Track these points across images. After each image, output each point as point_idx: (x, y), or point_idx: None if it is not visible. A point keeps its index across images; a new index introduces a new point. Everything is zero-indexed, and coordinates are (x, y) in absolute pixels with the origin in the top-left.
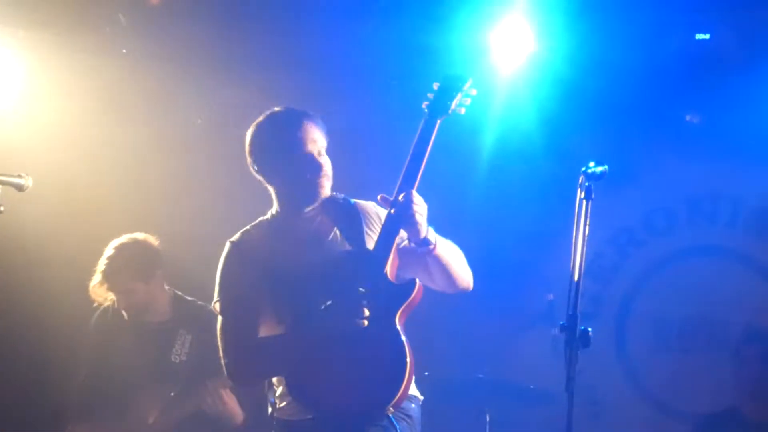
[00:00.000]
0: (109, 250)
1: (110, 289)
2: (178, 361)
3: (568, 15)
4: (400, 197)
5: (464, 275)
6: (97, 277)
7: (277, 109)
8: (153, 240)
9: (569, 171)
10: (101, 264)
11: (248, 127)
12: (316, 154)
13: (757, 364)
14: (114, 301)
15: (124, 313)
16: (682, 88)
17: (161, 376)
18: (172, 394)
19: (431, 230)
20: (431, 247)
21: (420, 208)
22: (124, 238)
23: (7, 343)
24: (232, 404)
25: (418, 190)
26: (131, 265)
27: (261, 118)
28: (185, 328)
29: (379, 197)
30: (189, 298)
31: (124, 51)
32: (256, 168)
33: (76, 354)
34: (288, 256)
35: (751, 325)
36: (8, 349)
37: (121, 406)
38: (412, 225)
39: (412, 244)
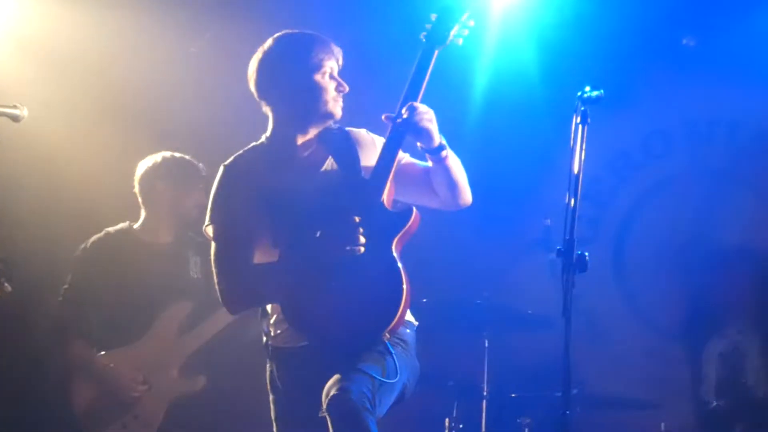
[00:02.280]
0: (157, 158)
1: (161, 200)
2: (196, 277)
3: None
4: (404, 111)
5: (467, 187)
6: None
7: (288, 31)
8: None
9: (566, 96)
10: (159, 169)
11: (245, 56)
12: (327, 87)
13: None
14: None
15: (140, 227)
16: (679, 11)
17: (183, 292)
18: (193, 308)
19: (443, 138)
20: (444, 154)
21: (429, 114)
22: (180, 154)
23: None
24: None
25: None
26: (197, 181)
27: (270, 42)
28: (192, 250)
29: (383, 117)
30: (185, 228)
31: None
32: (259, 90)
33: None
34: (282, 183)
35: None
36: None
37: (143, 327)
38: (424, 131)
39: (426, 154)
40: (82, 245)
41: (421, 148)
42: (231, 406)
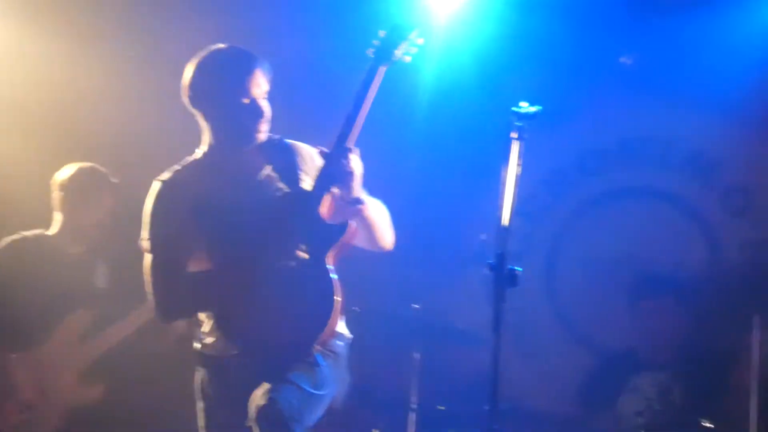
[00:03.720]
0: (70, 171)
1: (72, 206)
2: (102, 287)
3: None
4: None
5: (386, 237)
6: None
7: (222, 46)
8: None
9: (505, 111)
10: (69, 181)
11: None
12: (259, 98)
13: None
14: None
15: (54, 233)
16: (617, 30)
17: (86, 302)
18: (96, 318)
19: (363, 191)
20: (361, 207)
21: (355, 168)
22: (87, 164)
23: None
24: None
25: (360, 133)
26: (101, 189)
27: (205, 55)
28: (102, 259)
29: (318, 151)
30: (101, 235)
31: None
32: (194, 104)
33: None
34: (221, 196)
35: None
36: None
37: (45, 333)
38: (344, 184)
39: (344, 201)
40: None
41: (340, 197)
42: (130, 415)
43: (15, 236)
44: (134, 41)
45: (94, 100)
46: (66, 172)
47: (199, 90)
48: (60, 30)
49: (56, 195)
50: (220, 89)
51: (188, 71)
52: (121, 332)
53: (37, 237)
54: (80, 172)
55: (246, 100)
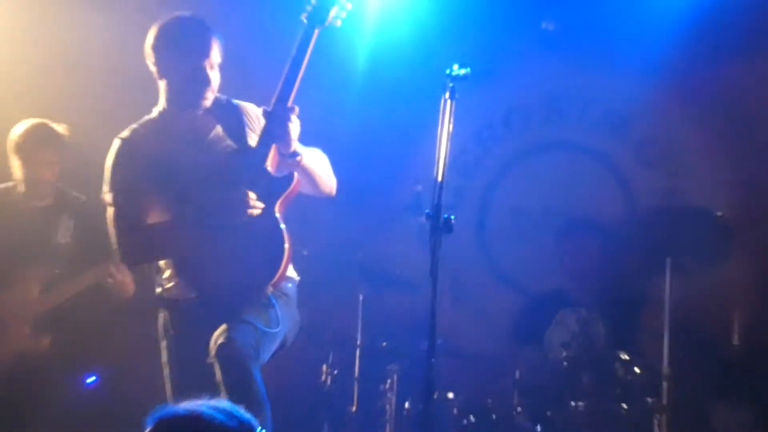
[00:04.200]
0: (25, 126)
1: (25, 158)
2: (63, 242)
3: None
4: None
5: (327, 183)
6: (13, 148)
7: (184, 14)
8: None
9: (437, 73)
10: (19, 137)
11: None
12: (208, 68)
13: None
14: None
15: (22, 189)
16: None
17: (48, 255)
18: (57, 271)
19: (299, 144)
20: (298, 159)
21: (293, 126)
22: (38, 120)
23: None
24: (123, 278)
25: (297, 92)
26: (50, 143)
27: (168, 19)
28: (67, 213)
29: (261, 110)
30: (68, 189)
31: None
32: (152, 62)
33: None
34: (174, 153)
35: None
36: None
37: (6, 281)
38: (283, 141)
39: (282, 154)
40: None
41: (278, 151)
42: (75, 366)
43: None
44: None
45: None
46: (18, 128)
47: (159, 49)
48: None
49: (11, 146)
50: (176, 56)
51: (150, 35)
52: (77, 285)
53: (6, 188)
54: (30, 128)
55: (196, 70)
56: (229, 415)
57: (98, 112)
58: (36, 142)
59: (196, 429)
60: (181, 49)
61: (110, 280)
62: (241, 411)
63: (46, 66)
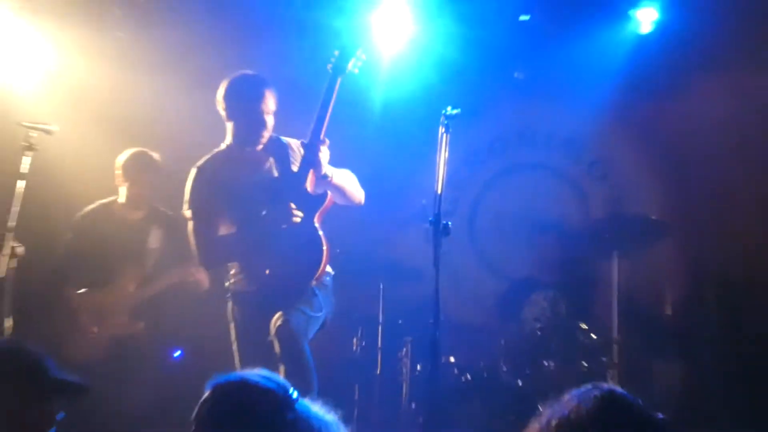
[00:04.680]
0: (130, 153)
1: (129, 179)
2: (153, 247)
3: (430, 5)
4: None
5: (356, 196)
6: (120, 170)
7: (248, 72)
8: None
9: (435, 112)
10: (125, 162)
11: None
12: (265, 114)
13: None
14: (107, 202)
15: (122, 202)
16: (512, 54)
17: (141, 258)
18: (149, 271)
19: (330, 168)
20: (329, 179)
21: (323, 155)
22: (139, 149)
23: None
24: (200, 276)
25: (328, 127)
26: (149, 166)
27: (235, 75)
28: (157, 224)
29: (300, 143)
30: (158, 204)
31: (119, 34)
32: (222, 108)
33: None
34: (238, 179)
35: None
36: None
37: (109, 279)
38: (317, 166)
39: (317, 177)
40: (80, 212)
41: (314, 174)
42: (163, 344)
43: (92, 205)
44: (181, 70)
45: (154, 113)
46: (124, 155)
47: (228, 99)
48: (138, 62)
49: (118, 172)
50: (241, 105)
51: (222, 87)
52: (165, 282)
53: (107, 204)
54: (133, 155)
55: (257, 115)
56: (269, 379)
57: (179, 145)
58: (138, 165)
59: (243, 390)
60: (245, 99)
61: (191, 278)
62: (278, 377)
63: (140, 109)
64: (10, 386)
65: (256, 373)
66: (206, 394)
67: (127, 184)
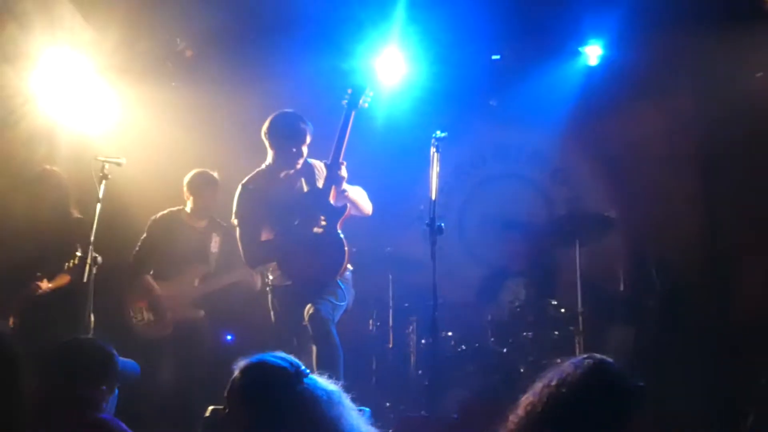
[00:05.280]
0: (195, 172)
1: (194, 193)
2: (213, 252)
3: (420, 49)
4: (332, 165)
5: (366, 207)
6: (187, 186)
7: (288, 110)
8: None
9: (427, 136)
10: (191, 179)
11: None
12: (301, 146)
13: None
14: (176, 210)
15: (188, 212)
16: (487, 86)
17: (204, 259)
18: (210, 270)
19: (346, 185)
20: (346, 194)
21: (343, 174)
22: (202, 169)
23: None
24: (256, 278)
25: (345, 151)
26: (209, 183)
27: (278, 113)
28: (216, 232)
29: (324, 164)
30: (216, 215)
31: (174, 84)
32: (266, 139)
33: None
34: (276, 194)
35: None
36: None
37: (177, 273)
38: (338, 183)
39: (338, 192)
40: (154, 216)
41: (335, 190)
42: (219, 329)
43: (164, 211)
44: (224, 110)
45: (202, 145)
46: (190, 174)
47: (271, 131)
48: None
49: (185, 188)
50: (282, 134)
51: (266, 123)
52: (223, 281)
53: (177, 211)
54: (197, 174)
55: (294, 148)
56: (283, 359)
57: (230, 167)
58: (200, 182)
59: (261, 368)
60: (285, 133)
61: (250, 279)
62: (293, 357)
63: (192, 143)
64: (84, 372)
65: (273, 355)
66: (235, 373)
67: (191, 198)
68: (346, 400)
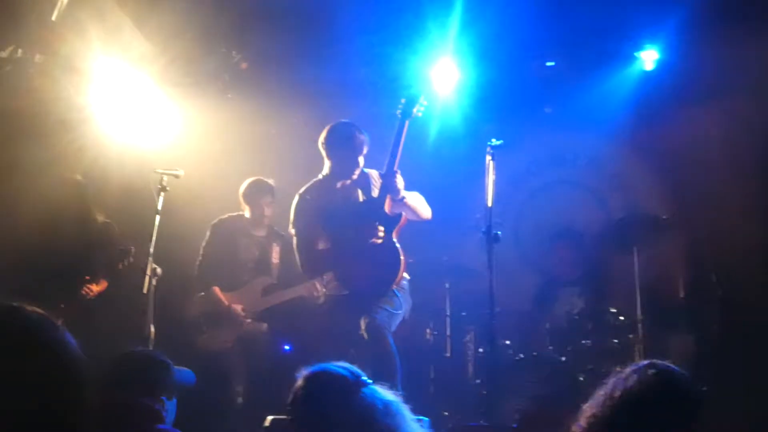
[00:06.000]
0: (251, 180)
1: (250, 202)
2: (275, 262)
3: (473, 57)
4: (386, 175)
5: (424, 213)
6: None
7: (345, 120)
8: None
9: (481, 144)
10: (247, 187)
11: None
12: (358, 156)
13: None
14: (236, 215)
15: (248, 220)
16: (543, 93)
17: (266, 270)
18: (273, 282)
19: (404, 192)
20: (404, 201)
21: (398, 182)
22: (258, 177)
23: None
24: (321, 292)
25: (401, 160)
26: (266, 191)
27: (335, 123)
28: (276, 242)
29: (379, 173)
30: (275, 225)
31: (229, 96)
32: (323, 149)
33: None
34: (333, 204)
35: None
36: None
37: (241, 283)
38: (393, 192)
39: (393, 200)
40: (215, 220)
41: (391, 198)
42: (279, 340)
43: (223, 216)
44: (286, 122)
45: (258, 155)
46: (247, 182)
47: (329, 140)
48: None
49: (241, 197)
50: (339, 144)
51: (324, 132)
52: (286, 296)
53: (237, 217)
54: (252, 182)
55: (350, 158)
56: (344, 368)
57: (287, 177)
58: (256, 191)
59: (323, 377)
60: (342, 143)
61: (315, 294)
62: (353, 366)
63: (247, 154)
64: (142, 383)
65: (335, 364)
66: (298, 381)
67: (248, 207)
68: (405, 410)
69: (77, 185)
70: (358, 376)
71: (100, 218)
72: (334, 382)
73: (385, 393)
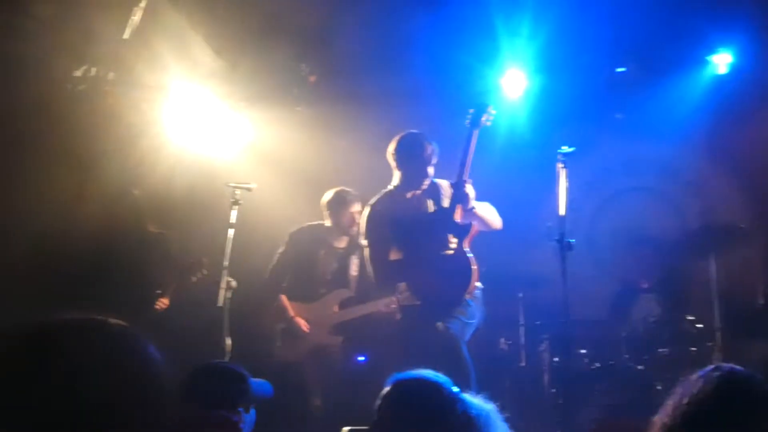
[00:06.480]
0: (333, 191)
1: (331, 212)
2: (353, 275)
3: (542, 64)
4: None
5: (495, 223)
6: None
7: (414, 131)
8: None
9: (551, 152)
10: (329, 198)
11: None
12: (427, 166)
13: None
14: (315, 224)
15: (328, 229)
16: (613, 99)
17: (344, 283)
18: (350, 295)
19: (474, 202)
20: (474, 211)
21: (469, 192)
22: (340, 188)
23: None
24: (395, 307)
25: (471, 170)
26: (347, 201)
27: (404, 134)
28: (355, 254)
29: (449, 183)
30: (355, 237)
31: (298, 108)
32: (393, 159)
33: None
34: (404, 215)
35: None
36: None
37: (317, 296)
38: (463, 202)
39: (464, 210)
40: (293, 229)
41: (461, 208)
42: (354, 352)
43: (302, 225)
44: (349, 132)
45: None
46: (328, 194)
47: (399, 151)
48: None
49: (323, 207)
50: (410, 154)
51: (393, 143)
52: (363, 310)
53: (317, 226)
54: (334, 192)
55: (420, 168)
56: (438, 376)
57: (357, 188)
58: (335, 201)
59: (421, 385)
60: (412, 154)
61: (393, 306)
62: (442, 375)
63: (319, 165)
64: (219, 396)
65: (428, 372)
66: (387, 388)
67: (330, 218)
68: (499, 420)
69: (132, 198)
70: (451, 385)
71: (153, 229)
72: (432, 391)
73: (480, 402)
